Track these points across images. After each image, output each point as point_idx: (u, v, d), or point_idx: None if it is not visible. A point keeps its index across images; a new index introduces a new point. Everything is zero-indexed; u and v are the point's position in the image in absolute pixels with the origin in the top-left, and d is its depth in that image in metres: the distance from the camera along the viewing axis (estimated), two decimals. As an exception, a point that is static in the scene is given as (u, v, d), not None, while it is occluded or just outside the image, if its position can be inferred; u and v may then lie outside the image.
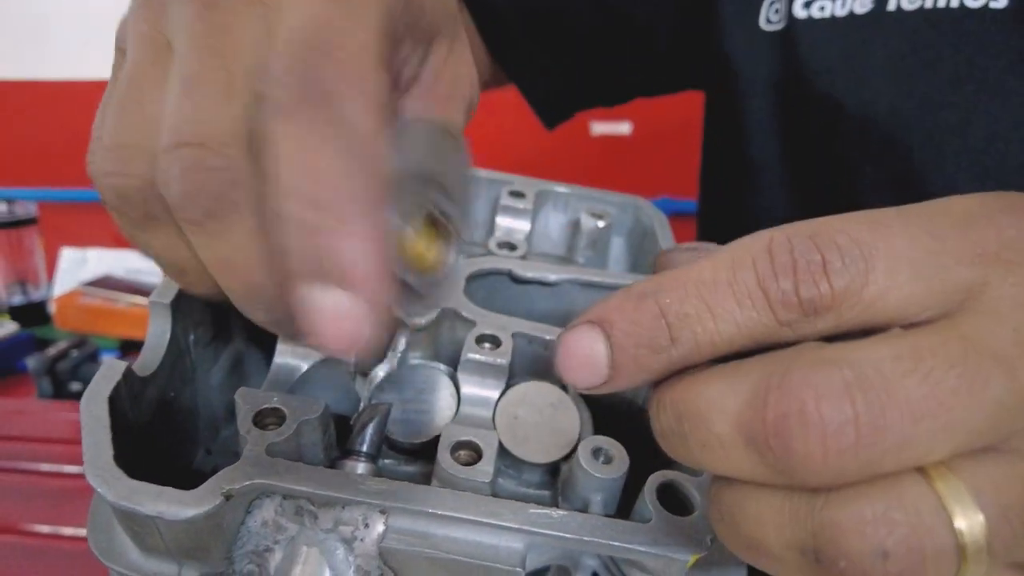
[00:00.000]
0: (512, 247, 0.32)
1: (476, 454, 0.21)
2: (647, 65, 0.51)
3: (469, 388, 0.24)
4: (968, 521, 0.13)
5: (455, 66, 0.25)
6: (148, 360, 0.24)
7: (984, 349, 0.13)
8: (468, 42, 0.31)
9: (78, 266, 1.36)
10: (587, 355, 0.16)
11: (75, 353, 1.05)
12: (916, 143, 0.36)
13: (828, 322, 0.14)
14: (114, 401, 0.21)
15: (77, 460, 1.01)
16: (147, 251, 0.18)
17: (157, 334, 0.24)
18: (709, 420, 0.14)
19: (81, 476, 0.78)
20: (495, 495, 0.20)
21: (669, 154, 1.39)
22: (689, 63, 0.49)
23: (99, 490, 0.18)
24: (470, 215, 0.33)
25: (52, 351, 1.05)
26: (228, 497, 0.19)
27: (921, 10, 0.35)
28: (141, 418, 0.23)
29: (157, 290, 0.25)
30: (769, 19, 0.41)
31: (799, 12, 0.39)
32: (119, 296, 1.22)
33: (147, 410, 0.24)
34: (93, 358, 1.08)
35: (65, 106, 1.39)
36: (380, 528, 0.19)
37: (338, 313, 0.14)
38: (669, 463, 0.21)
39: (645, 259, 0.35)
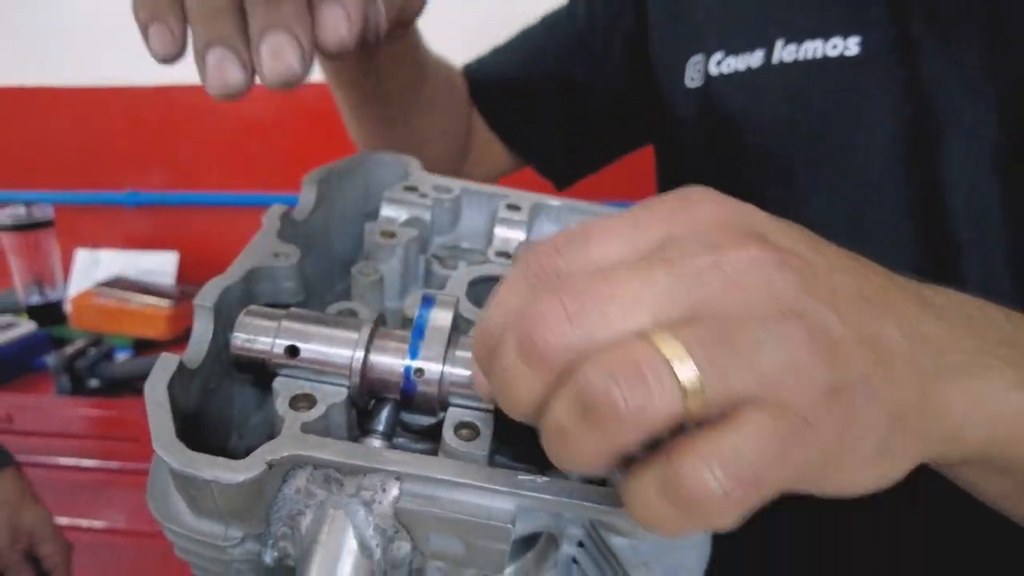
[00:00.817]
0: (508, 256, 0.36)
1: (475, 432, 0.25)
2: (619, 128, 0.62)
3: (469, 379, 0.28)
4: (682, 365, 0.17)
5: None
6: (194, 355, 0.28)
7: (655, 257, 0.19)
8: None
9: (91, 267, 1.41)
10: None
11: (92, 351, 1.10)
12: (801, 171, 0.44)
13: None
14: (170, 389, 0.25)
15: (94, 454, 1.06)
16: None
17: (201, 332, 0.28)
18: (501, 356, 0.19)
19: (97, 470, 0.83)
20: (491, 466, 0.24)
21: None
22: (645, 124, 0.58)
23: (166, 460, 0.22)
24: None
25: (70, 349, 1.09)
26: (270, 466, 0.22)
27: (796, 61, 0.43)
28: (190, 405, 0.27)
29: (201, 294, 0.29)
30: (692, 78, 0.49)
31: (712, 70, 0.47)
32: (132, 296, 1.26)
33: (194, 398, 0.28)
34: (109, 356, 1.13)
35: (78, 111, 1.43)
36: (395, 492, 0.23)
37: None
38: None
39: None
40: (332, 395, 0.25)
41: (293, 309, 0.27)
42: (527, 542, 0.30)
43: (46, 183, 1.43)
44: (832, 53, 0.41)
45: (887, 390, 0.19)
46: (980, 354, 0.23)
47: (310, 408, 0.25)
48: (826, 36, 0.42)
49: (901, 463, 0.21)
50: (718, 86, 0.47)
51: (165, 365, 0.26)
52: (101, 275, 1.37)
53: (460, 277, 0.33)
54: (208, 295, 0.28)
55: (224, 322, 0.30)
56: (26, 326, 1.23)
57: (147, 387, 0.25)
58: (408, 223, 0.38)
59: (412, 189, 0.39)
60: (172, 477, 0.25)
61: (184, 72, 1.42)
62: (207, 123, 1.42)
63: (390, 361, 0.25)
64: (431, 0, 0.44)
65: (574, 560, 0.31)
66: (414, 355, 0.25)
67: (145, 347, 1.27)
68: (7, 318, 1.27)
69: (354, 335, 0.26)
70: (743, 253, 0.19)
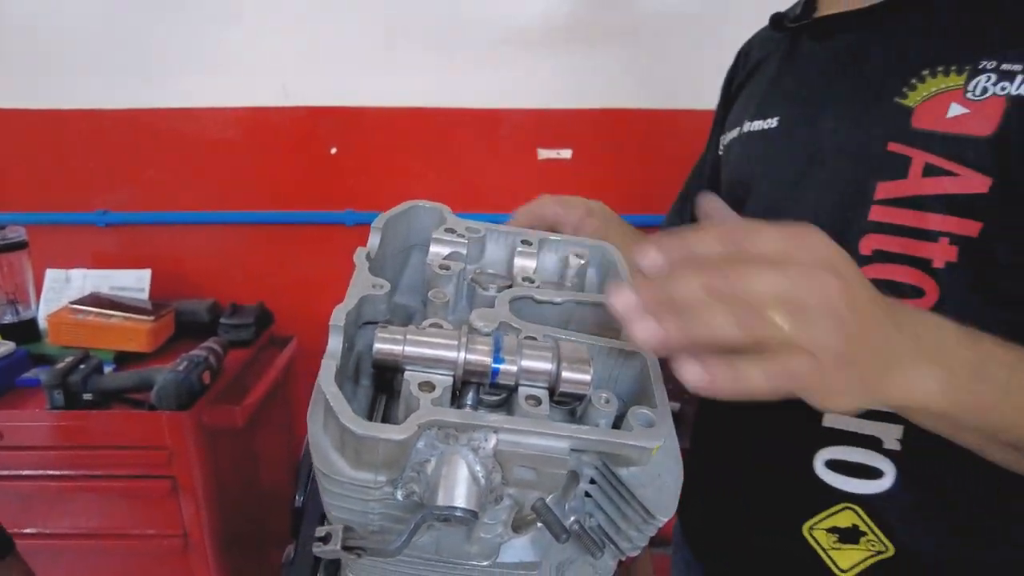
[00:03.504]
0: (531, 281, 0.50)
1: (539, 401, 0.38)
2: None
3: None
4: (780, 317, 0.33)
5: None
6: (334, 360, 0.40)
7: (781, 263, 0.34)
8: None
9: (62, 285, 1.44)
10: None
11: (83, 366, 1.15)
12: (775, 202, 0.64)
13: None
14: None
15: (89, 465, 1.13)
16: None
17: (336, 343, 0.40)
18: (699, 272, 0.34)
19: (78, 478, 0.94)
20: (549, 423, 0.38)
21: (604, 175, 1.59)
22: None
23: (352, 428, 0.35)
24: None
25: (61, 365, 1.14)
26: (419, 427, 0.35)
27: (752, 132, 0.68)
28: (334, 394, 0.39)
29: (334, 316, 0.40)
30: (725, 142, 0.78)
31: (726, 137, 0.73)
32: (112, 312, 1.32)
33: (335, 389, 0.40)
34: (99, 370, 1.18)
35: (50, 134, 1.46)
36: (494, 440, 0.36)
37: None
38: (642, 404, 0.39)
39: (608, 283, 0.54)
40: (444, 381, 0.38)
41: (410, 326, 0.40)
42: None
43: (16, 204, 1.45)
44: (765, 127, 0.68)
45: (870, 378, 0.37)
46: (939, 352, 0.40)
47: (431, 391, 0.37)
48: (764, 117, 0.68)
49: (859, 403, 0.37)
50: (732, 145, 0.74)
51: (328, 367, 0.38)
52: (73, 293, 1.41)
53: (503, 297, 0.46)
54: (339, 317, 0.41)
55: (344, 337, 0.42)
56: (6, 345, 1.26)
57: (323, 383, 0.37)
58: (450, 257, 0.51)
59: (451, 231, 0.52)
60: (344, 440, 0.37)
61: (151, 97, 1.54)
62: (175, 145, 1.48)
63: (479, 358, 0.39)
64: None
65: (587, 494, 0.45)
66: (498, 360, 0.39)
67: (126, 360, 1.32)
68: (-18, 338, 1.30)
69: (455, 342, 0.39)
70: (823, 279, 0.34)
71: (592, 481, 0.43)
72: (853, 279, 0.35)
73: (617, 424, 0.40)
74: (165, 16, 1.38)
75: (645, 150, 1.58)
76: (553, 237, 0.54)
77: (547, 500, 0.41)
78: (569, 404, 0.42)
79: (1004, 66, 0.52)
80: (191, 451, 1.15)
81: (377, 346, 0.39)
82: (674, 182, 1.62)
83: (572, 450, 0.38)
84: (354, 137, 1.53)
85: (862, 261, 0.58)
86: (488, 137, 1.54)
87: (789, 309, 0.33)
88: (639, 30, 1.48)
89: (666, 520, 0.40)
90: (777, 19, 0.75)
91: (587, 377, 0.39)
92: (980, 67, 0.53)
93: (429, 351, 0.38)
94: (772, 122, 0.68)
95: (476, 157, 1.56)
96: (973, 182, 0.53)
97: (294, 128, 1.52)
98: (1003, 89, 0.52)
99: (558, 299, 0.48)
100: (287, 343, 1.54)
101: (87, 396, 1.13)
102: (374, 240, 0.50)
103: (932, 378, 0.40)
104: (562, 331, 0.45)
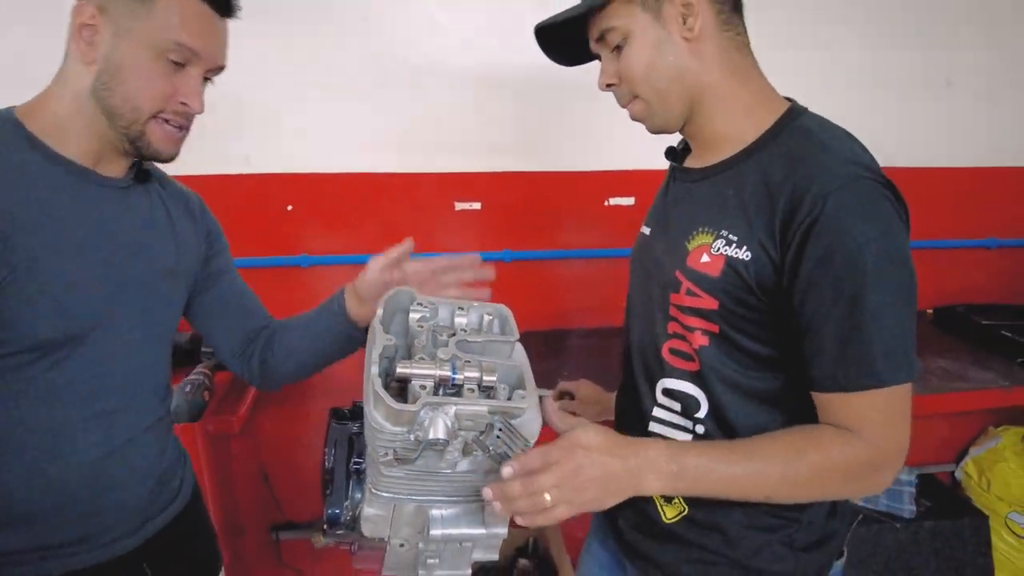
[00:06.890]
0: (465, 330, 0.96)
1: (474, 391, 0.84)
2: None
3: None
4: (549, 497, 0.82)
5: None
6: (375, 376, 0.84)
7: (560, 474, 0.84)
8: None
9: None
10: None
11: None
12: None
13: None
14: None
15: None
16: None
17: (376, 371, 0.84)
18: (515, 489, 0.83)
19: None
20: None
21: (507, 222, 2.07)
22: None
23: (394, 407, 0.79)
24: None
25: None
26: (422, 405, 0.80)
27: (642, 232, 1.14)
28: (376, 393, 0.84)
29: (371, 357, 0.85)
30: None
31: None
32: None
33: (376, 391, 0.84)
34: None
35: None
36: (454, 409, 0.82)
37: None
38: (520, 387, 0.86)
39: (504, 329, 1.00)
40: (430, 385, 0.83)
41: (415, 359, 0.85)
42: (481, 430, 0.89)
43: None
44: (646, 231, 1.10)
45: (609, 498, 0.85)
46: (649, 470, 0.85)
47: (426, 389, 0.82)
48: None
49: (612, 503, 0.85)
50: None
51: (373, 376, 0.82)
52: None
53: (453, 341, 0.91)
54: (375, 358, 0.85)
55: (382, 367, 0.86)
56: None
57: (376, 388, 0.81)
58: (421, 320, 0.96)
59: (420, 304, 0.97)
60: (387, 412, 0.81)
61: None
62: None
63: (445, 374, 0.84)
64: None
65: (498, 436, 0.92)
66: (455, 374, 0.84)
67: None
68: None
69: (435, 367, 0.84)
70: (571, 474, 0.82)
71: (500, 429, 0.90)
72: (594, 460, 0.82)
73: (509, 397, 0.87)
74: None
75: (538, 202, 2.08)
76: (475, 304, 1.01)
77: (480, 436, 0.87)
78: (487, 392, 0.88)
79: (730, 236, 0.88)
80: (201, 455, 1.51)
81: (399, 371, 0.83)
82: (560, 228, 2.14)
83: (488, 411, 0.84)
84: (306, 197, 1.93)
85: (668, 337, 0.99)
86: (412, 194, 1.99)
87: (556, 491, 0.79)
88: (533, 105, 1.97)
89: (532, 442, 0.87)
90: (668, 153, 1.10)
91: (495, 378, 0.85)
92: (721, 233, 0.90)
93: (424, 371, 0.84)
94: (647, 231, 1.08)
95: (403, 209, 2.00)
96: (707, 302, 0.91)
97: (256, 190, 1.90)
98: (727, 250, 0.88)
99: (479, 339, 0.94)
100: (257, 363, 1.91)
101: None
102: (379, 310, 0.94)
103: (652, 482, 0.84)
104: (482, 357, 0.91)
